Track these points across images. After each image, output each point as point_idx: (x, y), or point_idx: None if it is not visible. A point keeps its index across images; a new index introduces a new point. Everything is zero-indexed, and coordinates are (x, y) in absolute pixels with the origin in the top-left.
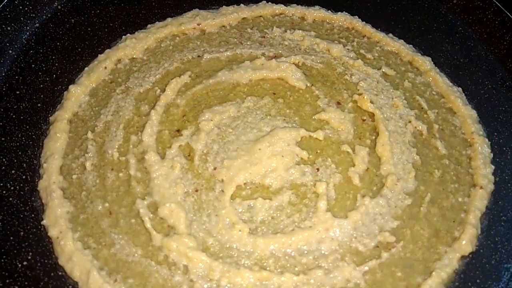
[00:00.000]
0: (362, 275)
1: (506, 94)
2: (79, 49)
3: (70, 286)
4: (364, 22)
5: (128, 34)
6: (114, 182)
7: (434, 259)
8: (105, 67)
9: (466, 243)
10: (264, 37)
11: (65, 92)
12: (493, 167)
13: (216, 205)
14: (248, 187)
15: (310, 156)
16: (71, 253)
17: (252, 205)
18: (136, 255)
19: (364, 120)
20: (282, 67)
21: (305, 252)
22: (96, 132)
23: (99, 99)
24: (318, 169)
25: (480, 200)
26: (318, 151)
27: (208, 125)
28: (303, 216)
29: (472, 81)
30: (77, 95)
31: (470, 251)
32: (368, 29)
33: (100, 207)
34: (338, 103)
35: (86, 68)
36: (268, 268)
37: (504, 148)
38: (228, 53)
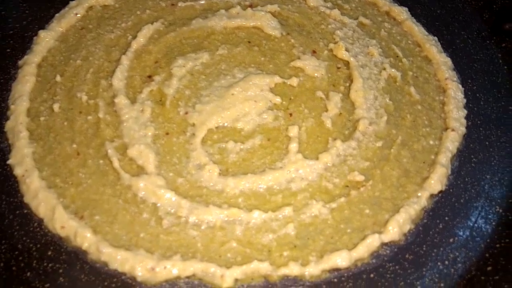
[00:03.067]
0: (330, 211)
1: (482, 43)
2: None
3: (36, 223)
4: None
5: None
6: (82, 125)
7: (403, 198)
8: (76, 14)
9: (436, 182)
10: None
11: (34, 38)
12: (465, 111)
13: (186, 148)
14: (219, 131)
15: (284, 102)
16: (37, 190)
17: (223, 147)
18: (103, 194)
19: (339, 68)
20: (258, 16)
21: (275, 191)
22: (65, 76)
23: (69, 45)
24: (291, 114)
25: (451, 142)
26: (292, 98)
27: (180, 71)
28: (274, 158)
29: (448, 31)
30: (46, 40)
31: (439, 190)
32: None
33: (68, 148)
34: (314, 51)
35: (57, 15)
36: (237, 206)
37: (478, 94)
38: (203, 1)
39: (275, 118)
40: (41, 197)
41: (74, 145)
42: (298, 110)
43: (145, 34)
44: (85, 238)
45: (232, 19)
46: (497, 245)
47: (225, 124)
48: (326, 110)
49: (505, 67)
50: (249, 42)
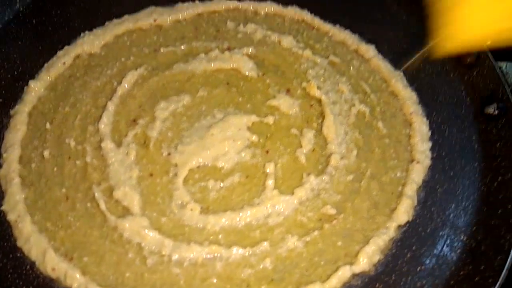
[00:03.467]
0: (305, 245)
1: (445, 77)
2: (40, 47)
3: (28, 266)
4: (313, 15)
5: (87, 31)
6: (71, 170)
7: (372, 229)
8: (64, 63)
9: (403, 213)
10: (218, 31)
11: (25, 87)
12: (430, 143)
13: (169, 188)
14: (200, 170)
15: (261, 140)
16: (29, 235)
17: (204, 186)
18: (91, 235)
19: (311, 105)
20: (235, 58)
21: (253, 226)
22: (54, 124)
23: (58, 93)
24: (267, 151)
25: (416, 174)
26: (268, 135)
27: (163, 114)
28: (252, 194)
29: (413, 66)
30: (36, 90)
31: (406, 221)
32: (317, 21)
33: (58, 193)
34: (288, 90)
35: (46, 64)
36: (217, 243)
37: (442, 127)
38: (183, 46)
39: (253, 156)
40: (33, 241)
41: (64, 190)
42: (274, 147)
43: (130, 80)
44: (74, 279)
45: (211, 62)
46: (461, 272)
47: (206, 163)
48: (301, 146)
49: (468, 98)
50: (227, 83)
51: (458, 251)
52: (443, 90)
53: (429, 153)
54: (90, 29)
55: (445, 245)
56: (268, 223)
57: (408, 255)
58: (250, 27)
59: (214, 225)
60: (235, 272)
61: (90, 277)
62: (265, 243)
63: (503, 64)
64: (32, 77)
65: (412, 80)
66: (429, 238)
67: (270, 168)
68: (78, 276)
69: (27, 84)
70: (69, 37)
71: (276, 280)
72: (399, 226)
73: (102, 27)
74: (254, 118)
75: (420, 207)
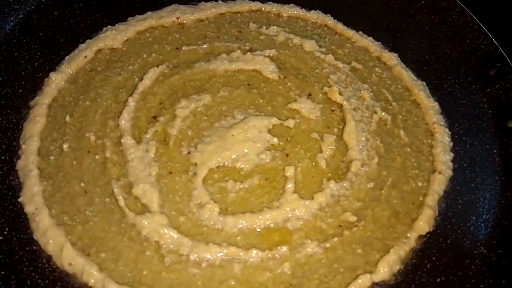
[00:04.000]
0: (324, 251)
1: (468, 88)
2: (61, 39)
3: (44, 260)
4: (336, 20)
5: (109, 26)
6: (90, 164)
7: (392, 238)
8: (85, 56)
9: (423, 223)
10: (240, 31)
11: (46, 79)
12: (452, 154)
13: (188, 186)
14: (220, 170)
15: (281, 143)
16: (46, 228)
17: (223, 186)
18: (109, 231)
19: (333, 110)
20: (257, 60)
21: (272, 230)
22: (74, 117)
23: (78, 86)
24: (287, 155)
25: (438, 184)
26: (289, 138)
27: (183, 112)
28: (271, 197)
29: (436, 76)
30: (57, 82)
31: (427, 231)
32: (339, 27)
33: (76, 187)
34: (309, 94)
35: (67, 57)
36: (235, 245)
37: (464, 138)
38: (205, 46)
39: (273, 159)
40: (50, 235)
41: (82, 184)
42: (294, 151)
43: (151, 77)
44: (91, 275)
45: (232, 63)
46: (481, 286)
47: (226, 164)
48: (321, 151)
49: (490, 111)
50: (248, 84)
51: (478, 264)
52: (465, 102)
53: (450, 164)
54: (113, 24)
55: (466, 258)
56: (287, 227)
57: (428, 266)
58: (273, 29)
59: (233, 226)
60: (253, 275)
61: (107, 274)
62: (284, 248)
63: None
64: (53, 69)
65: (435, 89)
66: (449, 250)
67: (290, 171)
68: (95, 272)
69: (47, 75)
70: (91, 31)
71: (294, 286)
72: (420, 236)
73: (125, 23)
74: (274, 120)
75: (441, 218)
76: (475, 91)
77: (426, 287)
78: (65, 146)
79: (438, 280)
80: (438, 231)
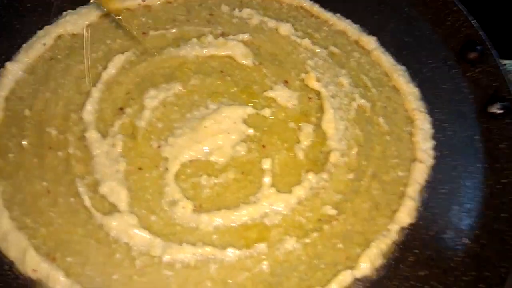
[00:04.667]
0: (304, 247)
1: (448, 72)
2: (17, 26)
3: (6, 266)
4: (312, 2)
5: (69, 10)
6: (52, 161)
7: (373, 231)
8: (44, 44)
9: (405, 215)
10: (212, 14)
11: (1, 70)
12: (433, 142)
13: (159, 183)
14: (193, 165)
15: (257, 134)
16: (7, 232)
17: (196, 182)
18: (75, 234)
19: (310, 98)
20: (230, 45)
21: (249, 226)
22: (34, 110)
23: (37, 77)
24: (264, 146)
25: (419, 173)
26: (265, 129)
27: (152, 103)
28: (248, 192)
29: (415, 60)
30: (14, 72)
31: (409, 223)
32: (316, 9)
33: (38, 186)
34: (286, 81)
35: (24, 45)
36: (211, 244)
37: (445, 124)
38: (174, 30)
39: (249, 151)
40: (11, 239)
41: (44, 183)
42: (271, 142)
43: (116, 65)
44: (57, 281)
45: (204, 49)
46: (463, 277)
47: (199, 158)
48: (299, 142)
49: (471, 96)
50: (221, 71)
51: (461, 254)
52: (446, 87)
53: (431, 152)
54: (73, 8)
55: (448, 249)
56: (265, 223)
57: (411, 259)
58: (246, 12)
59: (208, 224)
60: (230, 276)
61: (75, 279)
62: (262, 245)
63: (507, 62)
64: (9, 58)
65: (414, 74)
66: (432, 241)
67: (267, 164)
68: (61, 278)
69: (3, 66)
70: (50, 16)
71: (273, 285)
72: (402, 229)
73: (86, 6)
74: (250, 110)
75: (423, 208)
76: (456, 75)
77: (409, 281)
78: (24, 142)
79: (422, 273)
80: (420, 222)
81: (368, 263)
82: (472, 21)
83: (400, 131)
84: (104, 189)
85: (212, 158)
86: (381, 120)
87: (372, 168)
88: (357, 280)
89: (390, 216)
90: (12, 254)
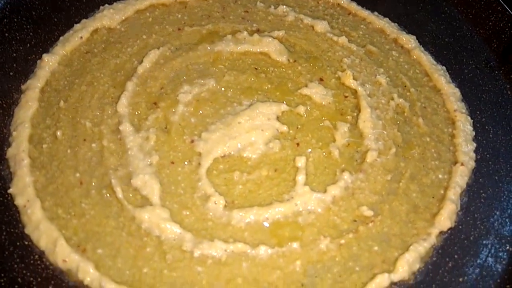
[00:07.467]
0: (338, 248)
1: (490, 74)
2: (55, 19)
3: (36, 256)
4: (349, 0)
5: (106, 5)
6: (86, 153)
7: (412, 234)
8: (81, 37)
9: (445, 218)
10: (247, 11)
11: (38, 61)
12: (475, 144)
13: (192, 178)
14: (225, 160)
15: (291, 131)
16: (38, 222)
17: (229, 178)
18: (106, 226)
19: (346, 96)
20: (265, 42)
21: (282, 225)
22: (69, 102)
23: (73, 69)
24: (298, 144)
25: (460, 176)
26: (299, 126)
27: (186, 98)
28: (281, 189)
29: (456, 61)
30: (50, 64)
31: (449, 227)
32: (353, 7)
33: (71, 177)
34: (321, 79)
35: (61, 38)
36: (243, 241)
37: (486, 127)
38: (209, 26)
39: (282, 148)
40: (42, 229)
41: (78, 174)
42: (305, 140)
43: (151, 59)
44: (87, 273)
45: (238, 45)
46: (508, 286)
47: (232, 153)
48: (334, 140)
49: None
50: (256, 68)
51: (504, 262)
52: (487, 88)
53: (473, 155)
54: (110, 3)
55: (489, 255)
56: (298, 222)
57: (450, 264)
58: (282, 9)
59: (240, 221)
60: (262, 274)
61: (105, 271)
62: (295, 244)
63: None
64: (46, 50)
65: (455, 75)
66: (472, 247)
67: (301, 162)
68: (91, 270)
69: (40, 57)
70: (88, 10)
71: (306, 285)
72: (441, 233)
73: (123, 1)
74: (284, 107)
75: (463, 212)
76: (498, 77)
77: (448, 287)
78: (59, 133)
79: (461, 279)
80: (460, 226)
81: (405, 267)
82: None
83: (440, 132)
84: (137, 182)
85: (245, 154)
86: (420, 120)
87: (410, 169)
88: (393, 284)
89: (429, 219)
90: (43, 244)
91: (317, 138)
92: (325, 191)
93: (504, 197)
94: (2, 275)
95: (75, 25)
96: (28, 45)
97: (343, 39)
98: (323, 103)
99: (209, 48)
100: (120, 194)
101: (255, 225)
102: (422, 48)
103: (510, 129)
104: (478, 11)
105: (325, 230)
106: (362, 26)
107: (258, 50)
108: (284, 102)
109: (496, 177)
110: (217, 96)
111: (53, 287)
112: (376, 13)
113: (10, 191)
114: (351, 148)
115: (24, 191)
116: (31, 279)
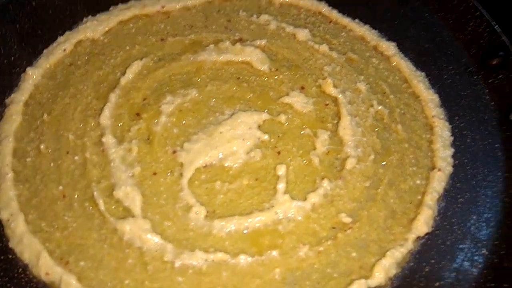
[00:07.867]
0: (317, 255)
1: (469, 79)
2: (39, 32)
3: (20, 269)
4: (331, 7)
5: (90, 16)
6: (69, 166)
7: (389, 240)
8: (64, 49)
9: (422, 224)
10: (229, 21)
11: (22, 74)
12: (452, 150)
13: (174, 188)
14: (207, 170)
15: (272, 140)
16: (22, 235)
17: (210, 188)
18: (89, 238)
19: (327, 104)
20: (247, 51)
21: (262, 233)
22: (52, 115)
23: (57, 82)
24: (279, 152)
25: (437, 182)
26: (280, 135)
27: (169, 109)
28: (261, 198)
29: (436, 66)
30: (34, 77)
31: (425, 232)
32: (334, 14)
33: (54, 190)
34: (302, 87)
35: (45, 51)
36: (223, 250)
37: (465, 132)
38: (192, 36)
39: (263, 157)
40: (26, 242)
41: (61, 187)
42: (286, 148)
43: (134, 70)
44: (70, 285)
45: (221, 55)
46: None
47: (213, 163)
48: (314, 148)
49: (492, 103)
50: (238, 78)
51: (479, 266)
52: (466, 94)
53: (451, 160)
54: (94, 14)
55: (465, 259)
56: (278, 230)
57: (426, 269)
58: (264, 18)
59: (220, 230)
60: (242, 282)
61: (87, 283)
62: (275, 252)
63: None
64: (30, 63)
65: (434, 81)
66: (449, 251)
67: (281, 170)
68: (74, 282)
69: (24, 71)
70: (71, 22)
71: None
72: (418, 238)
73: (106, 12)
74: (265, 116)
75: (440, 217)
76: (477, 81)
77: None
78: (42, 146)
79: (437, 284)
80: (437, 231)
81: (382, 273)
82: (495, 26)
83: (418, 138)
84: (119, 193)
85: (227, 164)
86: (399, 127)
87: (389, 176)
88: None
89: (406, 225)
90: (26, 257)
91: (297, 146)
92: (305, 199)
93: (481, 201)
94: None
95: (58, 37)
96: (12, 58)
97: (324, 47)
98: (304, 111)
99: (192, 58)
100: (102, 207)
101: (236, 234)
102: (402, 55)
103: (488, 133)
104: (457, 17)
105: (304, 237)
106: (343, 33)
107: (240, 59)
108: (266, 110)
109: (474, 182)
110: (199, 106)
111: None
112: (357, 20)
113: None
114: (331, 155)
115: (8, 205)
116: None
